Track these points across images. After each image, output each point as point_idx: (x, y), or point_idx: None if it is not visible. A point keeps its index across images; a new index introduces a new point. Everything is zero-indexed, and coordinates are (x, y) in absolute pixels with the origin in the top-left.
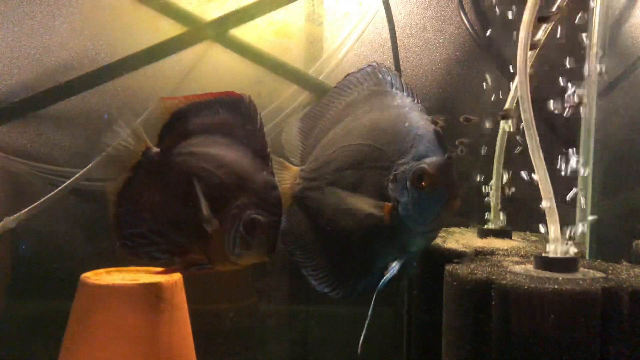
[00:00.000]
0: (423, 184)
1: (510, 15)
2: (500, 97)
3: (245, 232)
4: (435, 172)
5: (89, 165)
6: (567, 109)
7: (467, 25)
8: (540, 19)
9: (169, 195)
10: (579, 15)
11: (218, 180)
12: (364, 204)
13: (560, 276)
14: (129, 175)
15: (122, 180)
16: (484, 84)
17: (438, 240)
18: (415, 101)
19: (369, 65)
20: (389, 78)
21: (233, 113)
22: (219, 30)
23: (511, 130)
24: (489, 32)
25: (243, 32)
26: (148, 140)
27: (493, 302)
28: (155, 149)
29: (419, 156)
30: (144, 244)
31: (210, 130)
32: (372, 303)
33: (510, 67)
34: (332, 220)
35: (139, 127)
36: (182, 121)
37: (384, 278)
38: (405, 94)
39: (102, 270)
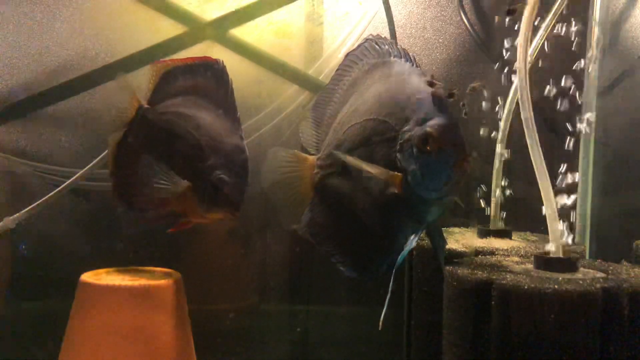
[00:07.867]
0: (428, 148)
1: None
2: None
3: (213, 191)
4: (440, 134)
5: (89, 165)
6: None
7: (467, 25)
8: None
9: (153, 150)
10: None
11: (194, 141)
12: (375, 171)
13: (560, 276)
14: (125, 129)
15: (120, 133)
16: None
17: None
18: (414, 65)
19: (366, 40)
20: (387, 47)
21: (209, 77)
22: (219, 30)
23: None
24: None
25: (243, 32)
26: (140, 98)
27: (493, 302)
28: (146, 107)
29: (422, 120)
30: (134, 194)
31: (190, 92)
32: (392, 277)
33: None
34: (351, 203)
35: (132, 85)
36: (167, 82)
37: (403, 251)
38: (403, 60)
39: (102, 270)
